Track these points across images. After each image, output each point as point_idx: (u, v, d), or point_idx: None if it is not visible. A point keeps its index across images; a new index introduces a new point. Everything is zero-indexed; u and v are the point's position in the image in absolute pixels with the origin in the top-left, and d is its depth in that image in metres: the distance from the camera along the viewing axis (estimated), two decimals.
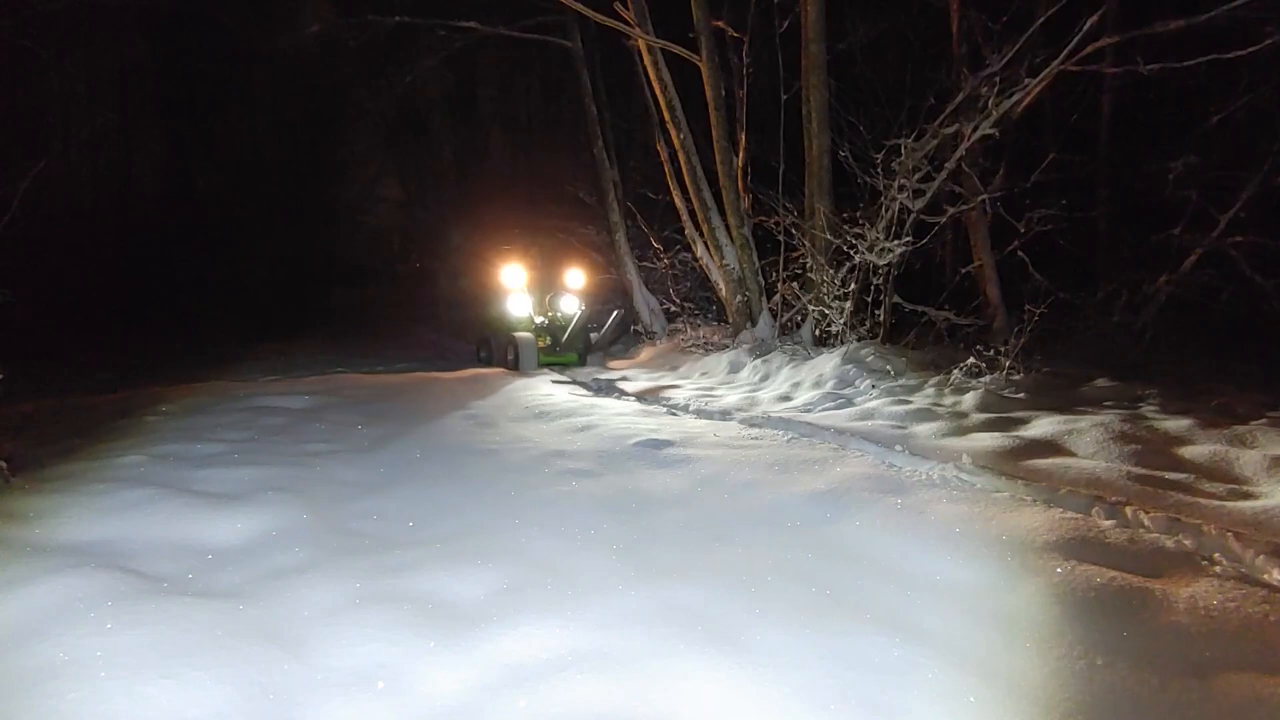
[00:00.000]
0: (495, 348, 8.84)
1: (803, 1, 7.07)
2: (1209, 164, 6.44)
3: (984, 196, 6.74)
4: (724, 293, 8.59)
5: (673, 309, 10.43)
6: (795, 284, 7.48)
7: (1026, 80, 5.72)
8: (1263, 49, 5.20)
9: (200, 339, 11.62)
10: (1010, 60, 5.74)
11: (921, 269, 7.12)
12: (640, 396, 6.35)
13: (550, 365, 8.38)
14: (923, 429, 4.23)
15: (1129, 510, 2.95)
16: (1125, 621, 2.12)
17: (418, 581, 2.36)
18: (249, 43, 17.07)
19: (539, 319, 8.67)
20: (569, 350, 8.61)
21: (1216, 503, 3.08)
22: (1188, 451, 3.72)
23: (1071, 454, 3.79)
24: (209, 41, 16.95)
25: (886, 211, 6.41)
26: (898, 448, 4.00)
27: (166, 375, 7.39)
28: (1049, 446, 3.84)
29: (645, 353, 9.76)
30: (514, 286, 8.74)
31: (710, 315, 10.29)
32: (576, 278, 9.27)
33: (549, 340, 8.50)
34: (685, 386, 6.72)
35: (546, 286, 9.20)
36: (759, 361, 6.97)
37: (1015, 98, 5.77)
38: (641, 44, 8.41)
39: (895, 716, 1.71)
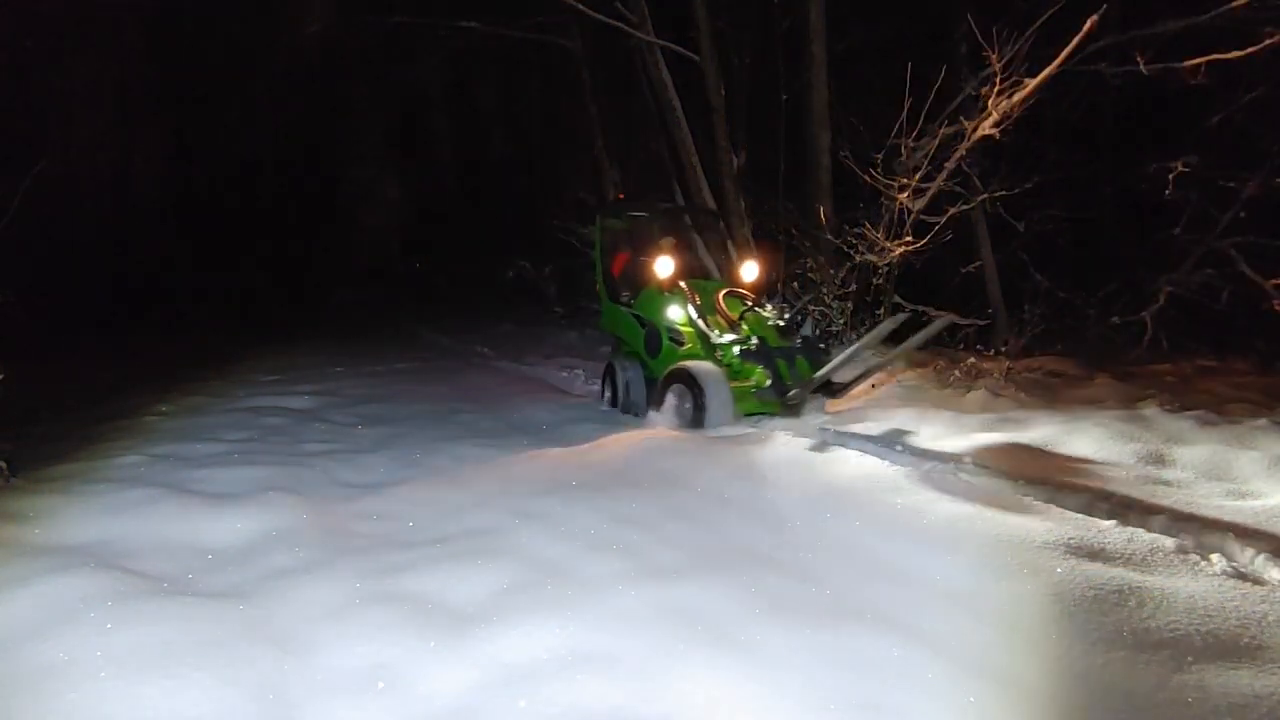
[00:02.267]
0: (631, 385, 5.32)
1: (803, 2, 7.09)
2: (1209, 164, 6.45)
3: (984, 196, 6.75)
4: None
5: None
6: (796, 284, 7.47)
7: (1026, 80, 5.72)
8: (1263, 49, 5.21)
9: (200, 339, 11.62)
10: (1010, 60, 5.75)
11: (922, 269, 7.11)
12: None
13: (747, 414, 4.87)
14: (923, 429, 4.23)
15: (1129, 510, 2.95)
16: (1124, 621, 2.12)
17: (418, 581, 2.36)
18: (249, 42, 17.08)
19: (721, 336, 4.93)
20: (797, 387, 4.68)
21: (1216, 502, 3.08)
22: (1188, 451, 3.72)
23: (1071, 454, 3.79)
24: (209, 41, 16.97)
25: (887, 212, 6.42)
26: (898, 448, 4.00)
27: (166, 376, 7.40)
28: (1049, 446, 3.84)
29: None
30: (668, 282, 5.28)
31: None
32: (751, 270, 5.75)
33: (762, 374, 4.72)
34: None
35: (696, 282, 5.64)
36: None
37: (1015, 98, 5.77)
38: (642, 44, 8.41)
39: (895, 716, 1.71)
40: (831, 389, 4.88)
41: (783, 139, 7.88)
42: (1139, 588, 2.26)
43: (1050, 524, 2.73)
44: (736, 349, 4.77)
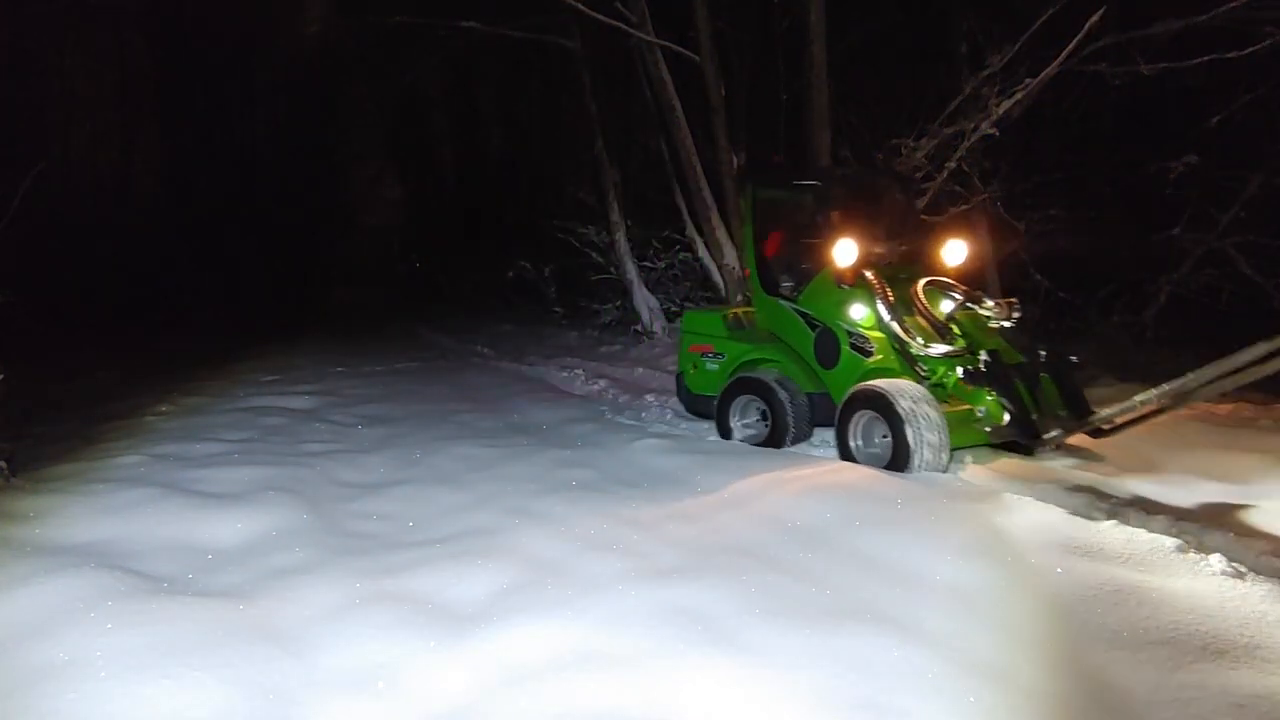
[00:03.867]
0: (792, 412, 4.09)
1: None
2: (1209, 164, 6.45)
3: (984, 196, 6.75)
4: (725, 293, 8.60)
5: (673, 309, 10.43)
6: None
7: (1027, 80, 5.73)
8: (1262, 49, 5.21)
9: (200, 339, 11.63)
10: (1011, 60, 5.75)
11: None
12: None
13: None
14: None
15: (1129, 510, 2.96)
16: (1124, 620, 2.12)
17: (418, 581, 2.36)
18: (249, 42, 17.08)
19: (927, 346, 3.76)
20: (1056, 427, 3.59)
21: (1216, 503, 3.08)
22: (1187, 452, 3.72)
23: (1071, 454, 3.79)
24: (209, 41, 16.97)
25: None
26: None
27: (166, 376, 7.40)
28: (1049, 447, 3.83)
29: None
30: (850, 273, 4.04)
31: None
32: (959, 251, 4.32)
33: (995, 404, 3.61)
34: None
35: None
36: None
37: (1016, 97, 5.77)
38: (642, 44, 8.41)
39: (895, 716, 1.71)
40: (1096, 427, 3.58)
41: (783, 139, 7.87)
42: (1139, 587, 2.26)
43: (1050, 524, 2.73)
44: (959, 370, 3.59)
